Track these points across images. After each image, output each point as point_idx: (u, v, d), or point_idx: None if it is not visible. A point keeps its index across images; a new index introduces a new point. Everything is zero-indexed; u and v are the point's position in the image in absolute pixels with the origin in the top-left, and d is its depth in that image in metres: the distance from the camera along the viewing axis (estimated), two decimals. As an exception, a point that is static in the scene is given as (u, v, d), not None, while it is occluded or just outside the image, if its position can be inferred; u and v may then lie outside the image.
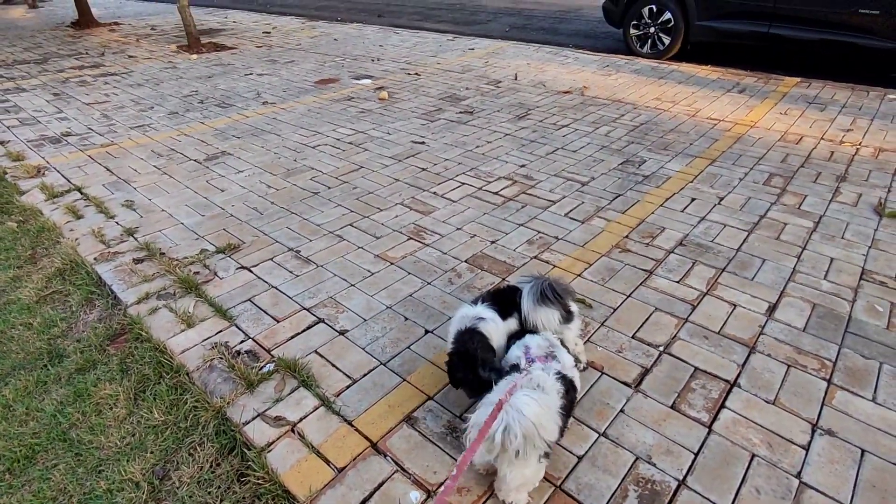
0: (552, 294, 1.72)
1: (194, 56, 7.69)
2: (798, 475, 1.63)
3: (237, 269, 2.73)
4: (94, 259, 2.81)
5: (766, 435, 1.76)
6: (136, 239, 2.99)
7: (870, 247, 2.80)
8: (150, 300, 2.47)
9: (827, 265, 2.65)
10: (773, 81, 5.71)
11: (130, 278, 2.63)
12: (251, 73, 6.69)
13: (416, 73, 6.45)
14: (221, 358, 2.12)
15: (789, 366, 2.04)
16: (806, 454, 1.69)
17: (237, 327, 2.31)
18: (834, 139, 4.18)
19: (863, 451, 1.70)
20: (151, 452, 1.76)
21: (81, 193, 3.56)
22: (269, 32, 9.45)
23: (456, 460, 1.69)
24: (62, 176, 3.84)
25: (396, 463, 1.70)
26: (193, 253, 2.86)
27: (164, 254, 2.85)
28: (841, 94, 5.20)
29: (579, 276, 2.60)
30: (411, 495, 1.59)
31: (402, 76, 6.37)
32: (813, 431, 1.77)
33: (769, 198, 3.33)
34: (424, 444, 1.75)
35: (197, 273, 2.68)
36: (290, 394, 1.96)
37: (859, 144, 4.07)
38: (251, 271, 2.71)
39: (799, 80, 5.69)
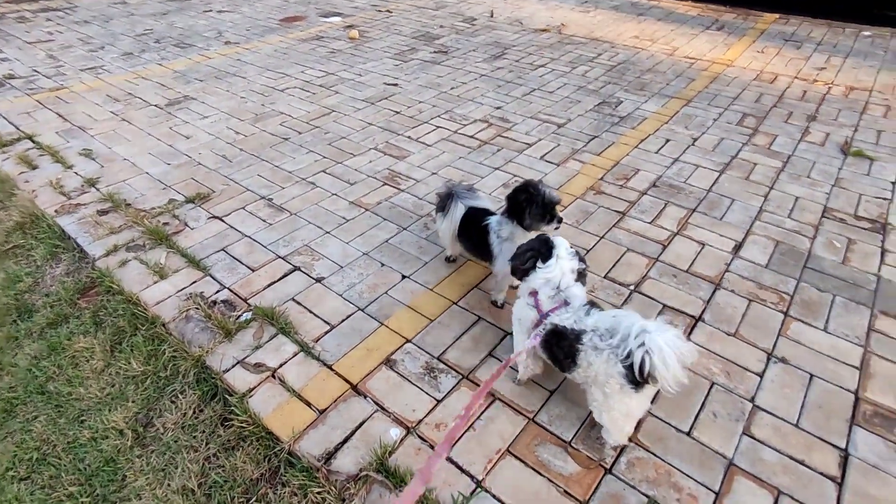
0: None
1: (146, -10, 7.12)
2: (752, 399, 1.75)
3: (208, 218, 2.67)
4: (55, 212, 2.70)
5: (726, 364, 1.87)
6: (98, 190, 2.88)
7: (833, 185, 2.88)
8: (118, 252, 2.41)
9: (792, 204, 2.73)
10: (752, 17, 5.61)
11: (96, 231, 2.56)
12: (210, 10, 6.26)
13: (388, 10, 6.13)
14: (198, 308, 2.11)
15: (751, 300, 2.14)
16: (760, 380, 1.81)
17: (212, 277, 2.29)
18: (808, 78, 4.19)
19: (811, 376, 1.82)
20: (133, 402, 1.78)
21: (33, 142, 3.37)
22: (226, -36, 8.75)
23: (435, 399, 1.76)
24: (9, 123, 3.62)
25: (376, 403, 1.76)
26: (161, 203, 2.77)
27: (129, 205, 2.76)
28: (818, 32, 5.16)
29: (554, 219, 2.62)
30: (391, 432, 1.66)
31: (373, 13, 6.05)
32: (768, 360, 1.88)
33: (741, 138, 3.36)
34: (403, 385, 1.81)
35: (166, 224, 2.61)
36: (268, 341, 1.98)
37: (831, 83, 4.09)
38: (223, 221, 2.65)
39: (778, 16, 5.60)
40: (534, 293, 1.59)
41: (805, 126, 3.49)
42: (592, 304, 1.54)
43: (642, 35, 5.21)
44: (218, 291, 2.21)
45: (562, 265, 1.57)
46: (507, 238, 1.93)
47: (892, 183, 2.88)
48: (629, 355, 1.30)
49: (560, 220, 1.91)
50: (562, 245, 1.60)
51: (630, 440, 1.62)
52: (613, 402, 1.43)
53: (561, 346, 1.49)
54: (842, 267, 2.31)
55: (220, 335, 1.99)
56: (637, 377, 1.31)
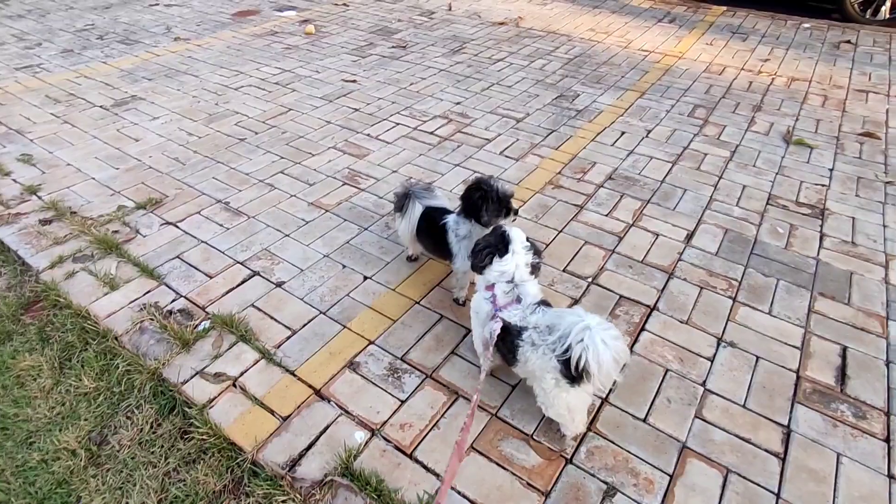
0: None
1: (87, -17, 6.76)
2: (703, 384, 1.83)
3: (161, 224, 2.58)
4: (-5, 222, 2.56)
5: (679, 351, 1.95)
6: (39, 198, 2.74)
7: (777, 173, 3.02)
8: (64, 264, 2.31)
9: (739, 192, 2.85)
10: (701, 10, 5.79)
11: (39, 241, 2.44)
12: (157, 4, 6.01)
13: (345, 4, 6.03)
14: (152, 319, 2.05)
15: (702, 288, 2.23)
16: (711, 365, 1.90)
17: (167, 286, 2.23)
18: (753, 69, 4.36)
19: (757, 358, 1.92)
20: (85, 420, 1.72)
21: (-32, 148, 3.18)
22: (173, -46, 8.40)
23: (399, 399, 1.77)
24: (-59, 129, 3.40)
25: (340, 407, 1.75)
26: (110, 210, 2.67)
27: (75, 213, 2.64)
28: (762, 24, 5.37)
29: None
30: (356, 435, 1.66)
31: (330, 7, 5.94)
32: (718, 345, 1.97)
33: (692, 129, 3.47)
34: (367, 387, 1.81)
35: (116, 232, 2.52)
36: (228, 349, 1.94)
37: (775, 74, 4.27)
38: (177, 227, 2.57)
39: (725, 8, 5.79)
40: (490, 287, 1.63)
41: (751, 116, 3.64)
42: (543, 303, 1.58)
43: (598, 28, 5.30)
44: (174, 300, 2.15)
45: (517, 259, 1.61)
46: (465, 236, 1.95)
47: (830, 170, 3.04)
48: (567, 350, 1.36)
49: (516, 212, 1.96)
50: (517, 239, 1.64)
51: (589, 429, 1.68)
52: (552, 397, 1.49)
53: (505, 342, 1.55)
54: (785, 252, 2.43)
55: (176, 346, 1.94)
56: (572, 373, 1.37)
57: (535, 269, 1.67)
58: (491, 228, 1.81)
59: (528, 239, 1.68)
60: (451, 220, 1.99)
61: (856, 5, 5.25)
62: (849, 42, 4.84)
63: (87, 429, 1.70)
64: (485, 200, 1.86)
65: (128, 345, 1.95)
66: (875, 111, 3.69)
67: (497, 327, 1.56)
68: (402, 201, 2.12)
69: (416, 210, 2.07)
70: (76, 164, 3.04)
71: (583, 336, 1.34)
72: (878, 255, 2.41)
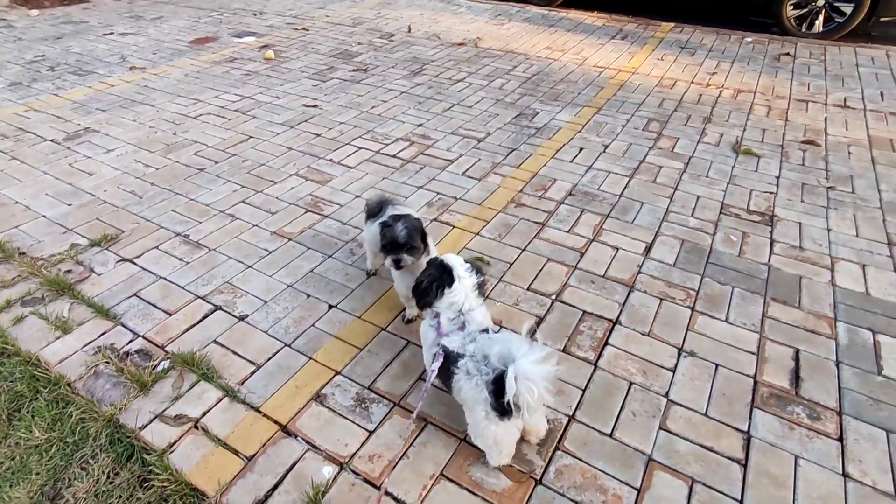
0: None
1: (34, 12, 6.62)
2: (666, 395, 1.87)
3: (117, 262, 2.51)
4: (-63, 268, 2.45)
5: (642, 364, 1.99)
6: (-14, 239, 2.64)
7: (728, 182, 3.14)
8: (12, 308, 2.22)
9: (694, 203, 2.95)
10: (651, 27, 6.02)
11: (-14, 286, 2.34)
12: (112, 33, 5.91)
13: (304, 28, 6.05)
14: (108, 362, 1.98)
15: (661, 299, 2.29)
16: (673, 375, 1.94)
17: (124, 326, 2.16)
18: (702, 83, 4.55)
19: (717, 366, 1.98)
20: (37, 474, 1.64)
21: None
22: (127, -18, 8.29)
23: (367, 430, 1.75)
24: None
25: (307, 442, 1.72)
26: (62, 249, 2.58)
27: (24, 253, 2.54)
28: (708, 39, 5.62)
29: (477, 234, 2.69)
30: (323, 471, 1.63)
31: (289, 32, 5.94)
32: (679, 355, 2.03)
33: (647, 143, 3.59)
34: (334, 420, 1.79)
35: (69, 272, 2.43)
36: (189, 389, 1.89)
37: (722, 87, 4.47)
38: (134, 263, 2.50)
39: (673, 25, 6.05)
40: (436, 315, 1.64)
41: (702, 128, 3.79)
42: (487, 331, 1.58)
43: (554, 46, 5.46)
44: (131, 341, 2.09)
45: (464, 284, 1.62)
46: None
47: (777, 177, 3.19)
48: (496, 381, 1.37)
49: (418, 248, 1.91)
50: (458, 265, 1.65)
51: (557, 448, 1.69)
52: (482, 428, 1.48)
53: (444, 369, 1.55)
54: (738, 259, 2.53)
55: (134, 389, 1.88)
56: (502, 406, 1.37)
57: (480, 288, 1.67)
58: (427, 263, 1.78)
59: (466, 260, 1.69)
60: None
61: (792, 20, 5.56)
62: (788, 54, 5.12)
63: (40, 483, 1.62)
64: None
65: (82, 391, 1.88)
66: (815, 119, 3.89)
67: (436, 365, 1.56)
68: (378, 208, 2.11)
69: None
70: (25, 201, 2.94)
71: (508, 369, 1.33)
72: (824, 258, 2.53)
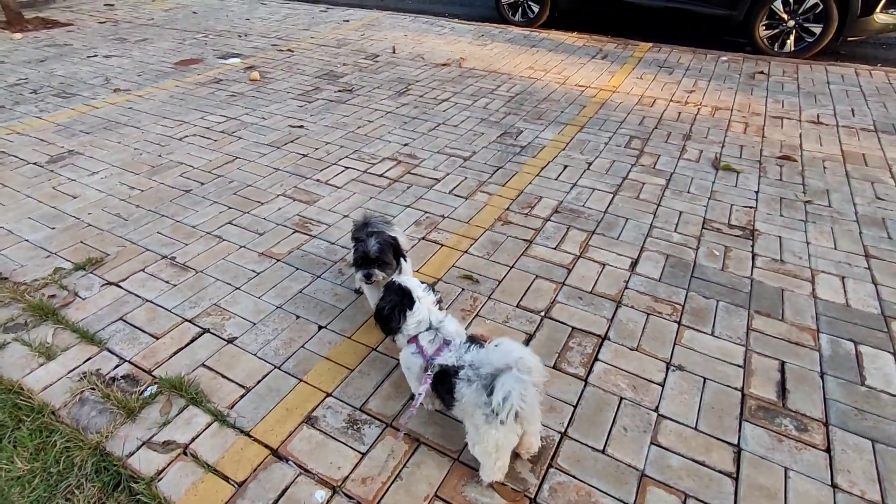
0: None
1: (18, 35, 6.58)
2: (656, 409, 1.89)
3: (102, 285, 2.48)
4: (-86, 295, 2.39)
5: (631, 379, 2.01)
6: (-33, 265, 2.58)
7: (709, 198, 3.22)
8: (-6, 336, 2.17)
9: (677, 218, 3.02)
10: (630, 47, 6.19)
11: (-34, 313, 2.29)
12: (96, 55, 5.89)
13: (290, 50, 6.10)
14: (93, 388, 1.94)
15: (648, 314, 2.32)
16: (662, 390, 1.96)
17: (109, 351, 2.12)
18: (680, 101, 4.68)
19: (705, 380, 2.01)
20: (19, 507, 1.60)
21: None
22: (111, 4, 8.33)
23: (360, 452, 1.74)
24: None
25: (299, 466, 1.70)
26: (45, 273, 2.54)
27: (6, 278, 2.50)
28: (685, 58, 5.80)
29: (466, 252, 2.71)
30: (316, 495, 1.61)
31: (274, 53, 5.99)
32: (667, 369, 2.05)
33: (630, 160, 3.67)
34: (326, 442, 1.77)
35: (52, 296, 2.39)
36: (178, 414, 1.86)
37: (700, 104, 4.60)
38: (120, 286, 2.47)
39: (651, 44, 6.23)
40: (413, 339, 1.66)
41: (682, 145, 3.89)
42: (472, 339, 1.62)
43: (536, 66, 5.58)
44: (117, 366, 2.05)
45: (424, 303, 1.66)
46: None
47: (756, 192, 3.27)
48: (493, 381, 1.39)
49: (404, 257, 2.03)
50: (416, 286, 1.70)
51: (551, 465, 1.69)
52: (482, 433, 1.49)
53: (444, 384, 1.56)
54: (722, 273, 2.58)
55: (121, 415, 1.84)
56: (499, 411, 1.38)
57: (439, 304, 1.72)
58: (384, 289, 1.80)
59: (420, 282, 1.73)
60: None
61: (765, 39, 5.77)
62: (762, 73, 5.29)
63: (21, 517, 1.57)
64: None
65: (66, 419, 1.84)
66: (790, 136, 4.02)
67: (424, 388, 1.58)
68: (362, 229, 2.13)
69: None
70: (7, 226, 2.89)
71: (505, 381, 1.36)
72: (804, 271, 2.60)
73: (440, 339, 1.63)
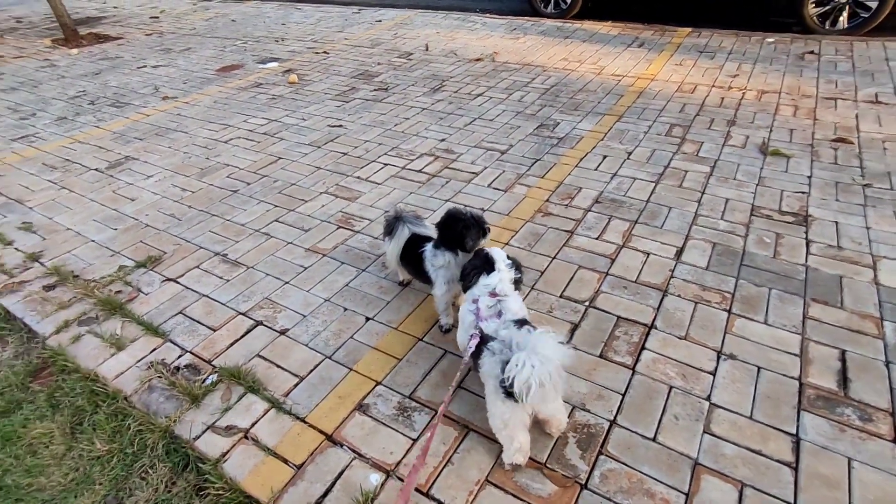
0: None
1: (74, 50, 6.98)
2: (708, 398, 1.86)
3: (162, 281, 2.62)
4: (-3, 292, 2.59)
5: (681, 367, 1.98)
6: (42, 264, 2.78)
7: (757, 184, 3.12)
8: (70, 328, 2.33)
9: (723, 206, 2.94)
10: (668, 33, 6.03)
11: (44, 307, 2.46)
12: (144, 66, 6.19)
13: (325, 52, 6.24)
14: (160, 376, 2.06)
15: (696, 303, 2.28)
16: (713, 379, 1.93)
17: (172, 342, 2.25)
18: (723, 86, 4.53)
19: (759, 369, 1.96)
20: (100, 484, 1.72)
21: (-33, 221, 3.22)
22: (157, 17, 8.71)
23: (411, 438, 1.79)
24: (-61, 203, 3.45)
25: (353, 450, 1.76)
26: (111, 271, 2.70)
27: (77, 276, 2.67)
28: (727, 42, 5.60)
29: (507, 244, 2.72)
30: (371, 478, 1.67)
31: (311, 56, 6.14)
32: (718, 358, 2.01)
33: (671, 148, 3.59)
34: (378, 428, 1.83)
35: (119, 292, 2.55)
36: (237, 401, 1.96)
37: (745, 89, 4.44)
38: (178, 282, 2.61)
39: (690, 30, 6.05)
40: (476, 300, 1.76)
41: (726, 131, 3.77)
42: (523, 322, 1.66)
43: (570, 57, 5.51)
44: (180, 356, 2.17)
45: (501, 275, 1.77)
46: (441, 265, 2.05)
47: (808, 177, 3.15)
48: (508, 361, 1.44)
49: (489, 230, 2.11)
50: (500, 258, 1.81)
51: (601, 452, 1.70)
52: (491, 402, 1.57)
53: (477, 348, 1.64)
54: (773, 261, 2.50)
55: (186, 402, 1.95)
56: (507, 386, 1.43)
57: (517, 284, 1.82)
58: (473, 253, 1.94)
59: (508, 256, 1.83)
60: (427, 250, 2.10)
61: (815, 18, 5.50)
62: (812, 52, 5.06)
63: (103, 493, 1.69)
64: (468, 229, 1.98)
65: (138, 404, 1.96)
66: (845, 117, 3.84)
67: (473, 343, 1.66)
68: (392, 225, 2.21)
69: (403, 234, 2.17)
70: (75, 227, 3.09)
71: (517, 358, 1.40)
72: (864, 257, 2.49)
73: (496, 309, 1.71)
